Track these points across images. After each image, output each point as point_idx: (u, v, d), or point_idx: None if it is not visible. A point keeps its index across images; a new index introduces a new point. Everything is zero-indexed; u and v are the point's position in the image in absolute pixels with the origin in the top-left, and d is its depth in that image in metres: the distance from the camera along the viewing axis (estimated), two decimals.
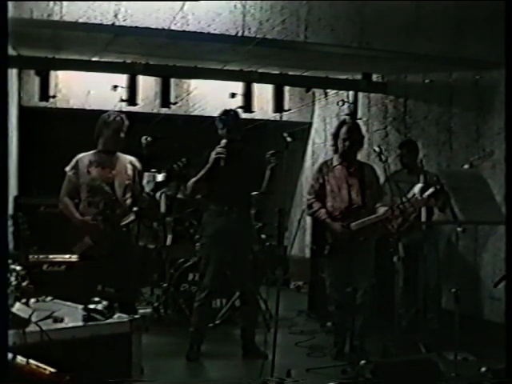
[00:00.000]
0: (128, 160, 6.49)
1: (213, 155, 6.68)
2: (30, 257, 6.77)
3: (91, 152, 6.45)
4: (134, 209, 6.29)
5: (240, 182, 6.73)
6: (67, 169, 6.43)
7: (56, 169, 6.62)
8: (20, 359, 2.48)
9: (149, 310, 8.63)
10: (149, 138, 6.44)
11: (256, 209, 8.48)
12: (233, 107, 7.54)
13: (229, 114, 6.91)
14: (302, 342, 7.54)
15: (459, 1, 7.28)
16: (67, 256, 7.09)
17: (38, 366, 2.47)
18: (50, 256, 7.30)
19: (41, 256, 7.23)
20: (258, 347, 6.88)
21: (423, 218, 6.71)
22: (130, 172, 6.44)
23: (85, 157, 6.44)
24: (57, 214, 6.77)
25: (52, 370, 2.46)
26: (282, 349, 6.19)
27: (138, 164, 6.51)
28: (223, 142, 6.71)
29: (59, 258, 7.24)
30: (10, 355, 2.51)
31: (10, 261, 3.62)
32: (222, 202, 6.78)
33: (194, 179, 6.79)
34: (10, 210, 9.13)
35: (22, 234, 7.02)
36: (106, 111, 6.64)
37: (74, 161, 6.45)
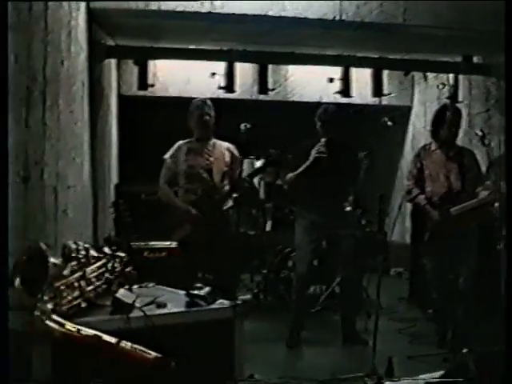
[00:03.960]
0: (225, 147, 6.53)
1: (313, 153, 6.65)
2: (132, 243, 6.85)
3: (189, 140, 6.52)
4: (234, 195, 6.32)
5: (335, 178, 6.68)
6: (166, 156, 6.51)
7: (156, 156, 6.70)
8: (125, 344, 2.50)
9: (248, 297, 8.65)
10: (247, 125, 6.45)
11: (354, 196, 8.40)
12: (331, 92, 7.49)
13: (327, 111, 6.83)
14: (403, 329, 7.45)
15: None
16: (168, 243, 7.16)
17: (142, 351, 2.49)
18: (151, 243, 7.39)
19: (142, 243, 7.33)
20: (358, 334, 6.84)
21: None
22: (227, 159, 6.47)
23: (183, 144, 6.51)
24: (157, 201, 6.84)
25: (156, 354, 2.47)
26: (383, 336, 6.11)
27: (235, 151, 6.54)
28: (323, 140, 6.66)
29: (160, 244, 7.32)
30: (113, 340, 2.53)
31: (113, 247, 3.66)
32: (317, 197, 6.74)
33: (292, 174, 6.80)
34: (112, 198, 9.29)
35: (123, 220, 7.12)
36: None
37: (174, 148, 6.52)
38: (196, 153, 6.43)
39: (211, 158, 6.43)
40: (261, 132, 6.50)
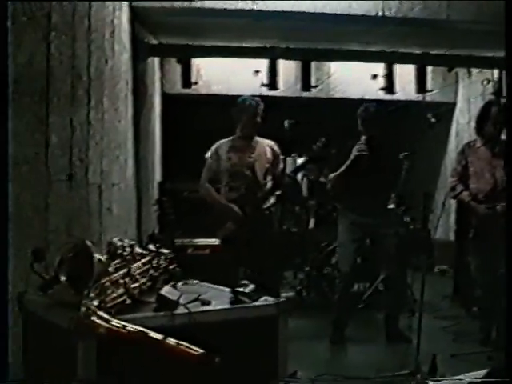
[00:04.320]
0: (267, 144, 6.52)
1: (354, 152, 6.62)
2: (175, 240, 6.88)
3: (231, 138, 6.51)
4: (277, 193, 6.32)
5: (377, 176, 6.64)
6: (207, 155, 6.52)
7: (199, 154, 6.72)
8: (171, 340, 2.51)
9: (291, 294, 8.64)
10: (291, 122, 6.45)
11: (397, 193, 8.36)
12: (374, 89, 7.46)
13: (367, 110, 6.80)
14: (447, 327, 7.40)
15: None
16: (211, 240, 7.19)
17: (187, 347, 2.50)
18: (195, 240, 7.42)
19: (185, 240, 7.36)
20: (402, 332, 6.81)
21: None
22: (269, 156, 6.46)
23: (224, 143, 6.50)
24: (200, 198, 6.87)
25: (201, 351, 2.48)
26: (427, 334, 6.08)
27: (276, 148, 6.53)
28: (363, 138, 6.64)
29: (203, 241, 7.34)
30: (159, 336, 2.55)
31: (157, 244, 3.68)
32: (359, 195, 6.73)
33: (334, 174, 6.78)
34: (156, 195, 9.36)
35: (167, 218, 7.16)
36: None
37: (214, 147, 6.52)
38: (238, 150, 6.42)
39: (254, 155, 6.41)
40: (304, 129, 6.50)
